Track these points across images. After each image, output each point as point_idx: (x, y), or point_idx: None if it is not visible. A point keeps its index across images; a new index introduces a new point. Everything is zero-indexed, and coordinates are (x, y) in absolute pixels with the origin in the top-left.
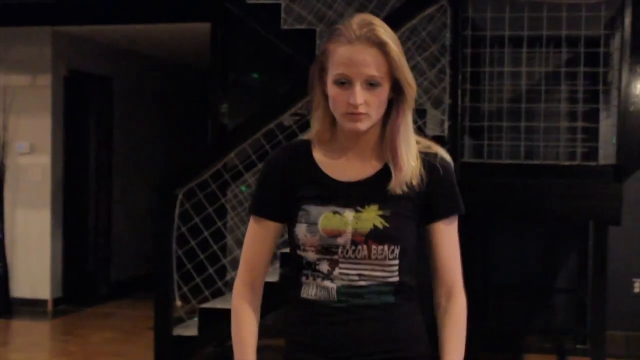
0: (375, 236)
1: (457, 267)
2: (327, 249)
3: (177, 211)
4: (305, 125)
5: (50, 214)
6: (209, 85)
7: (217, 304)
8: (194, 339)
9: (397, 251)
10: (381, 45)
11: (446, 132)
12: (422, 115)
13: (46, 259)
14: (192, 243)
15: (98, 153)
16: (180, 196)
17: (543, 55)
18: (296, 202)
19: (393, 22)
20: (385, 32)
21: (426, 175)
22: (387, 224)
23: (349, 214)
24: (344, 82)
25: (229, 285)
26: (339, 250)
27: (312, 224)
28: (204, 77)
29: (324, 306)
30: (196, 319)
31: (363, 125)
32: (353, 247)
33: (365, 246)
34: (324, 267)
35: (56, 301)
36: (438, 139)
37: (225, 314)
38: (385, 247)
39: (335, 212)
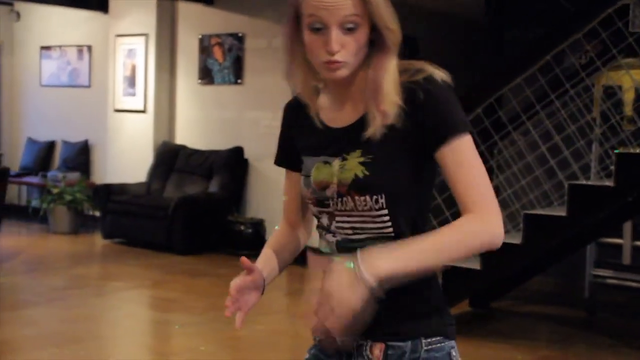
0: (356, 186)
1: (469, 190)
2: (321, 202)
3: None
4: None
5: None
6: (482, 42)
7: (461, 263)
8: None
9: (382, 201)
10: None
11: None
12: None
13: None
14: (439, 199)
15: None
16: None
17: None
18: (299, 153)
19: None
20: None
21: (408, 107)
22: (367, 172)
23: (336, 164)
24: (319, 28)
25: None
26: (331, 203)
27: (307, 176)
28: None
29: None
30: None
31: (342, 73)
32: (339, 199)
33: (349, 197)
34: (325, 220)
35: None
36: None
37: (466, 273)
38: (367, 197)
39: (325, 162)
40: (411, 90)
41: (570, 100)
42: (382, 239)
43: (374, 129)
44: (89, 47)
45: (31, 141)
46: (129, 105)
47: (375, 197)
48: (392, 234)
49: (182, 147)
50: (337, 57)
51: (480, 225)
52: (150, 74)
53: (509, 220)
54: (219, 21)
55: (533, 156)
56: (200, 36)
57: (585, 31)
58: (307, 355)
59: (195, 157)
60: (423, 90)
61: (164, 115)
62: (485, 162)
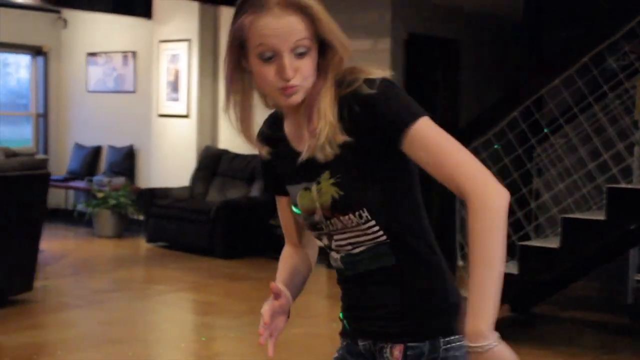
0: (336, 208)
1: (453, 168)
2: (314, 226)
3: None
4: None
5: None
6: (522, 44)
7: None
8: None
9: (365, 214)
10: (305, 9)
11: None
12: None
13: None
14: None
15: (444, 115)
16: None
17: None
18: (282, 182)
19: None
20: None
21: (350, 121)
22: (341, 192)
23: (314, 189)
24: (270, 57)
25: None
26: (322, 226)
27: (295, 205)
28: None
29: (340, 274)
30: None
31: (298, 98)
32: (327, 222)
33: (335, 219)
34: (325, 241)
35: None
36: None
37: (506, 277)
38: (350, 215)
39: (306, 189)
40: (348, 104)
41: (611, 102)
42: (379, 246)
43: (308, 151)
44: (134, 53)
45: (78, 146)
46: (173, 110)
47: (357, 212)
48: (387, 241)
49: (225, 152)
50: (293, 82)
51: (485, 209)
52: (193, 79)
53: (549, 224)
54: None
55: (574, 160)
56: None
57: (624, 32)
58: (335, 355)
59: (238, 162)
60: (357, 102)
61: (206, 119)
62: (522, 165)
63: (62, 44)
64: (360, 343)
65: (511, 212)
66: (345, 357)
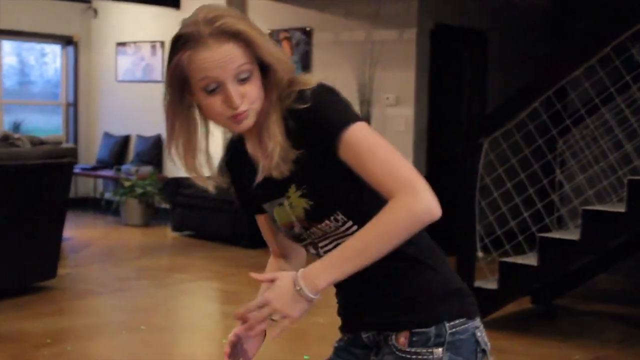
0: (310, 218)
1: (381, 177)
2: (297, 238)
3: (481, 161)
4: None
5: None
6: (549, 34)
7: (518, 259)
8: (494, 292)
9: (340, 217)
10: (238, 35)
11: None
12: None
13: None
14: (495, 194)
15: (470, 106)
16: (485, 145)
17: None
18: (256, 202)
19: None
20: (235, 19)
21: (292, 136)
22: (311, 202)
23: (286, 204)
24: (214, 88)
25: (529, 241)
26: (305, 236)
27: (274, 221)
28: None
29: None
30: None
31: (249, 122)
32: (308, 232)
33: (313, 228)
34: (311, 250)
35: None
36: None
37: (522, 269)
38: (326, 221)
39: (280, 205)
40: (287, 120)
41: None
42: None
43: (263, 172)
44: (162, 43)
45: (107, 135)
46: None
47: (332, 217)
48: None
49: None
50: (241, 108)
51: (405, 208)
52: None
53: (571, 216)
54: (287, 16)
55: (597, 151)
56: (269, 31)
57: None
58: (335, 344)
59: None
60: (293, 117)
61: None
62: (543, 156)
63: (92, 33)
64: (364, 335)
65: (532, 203)
66: (348, 349)
